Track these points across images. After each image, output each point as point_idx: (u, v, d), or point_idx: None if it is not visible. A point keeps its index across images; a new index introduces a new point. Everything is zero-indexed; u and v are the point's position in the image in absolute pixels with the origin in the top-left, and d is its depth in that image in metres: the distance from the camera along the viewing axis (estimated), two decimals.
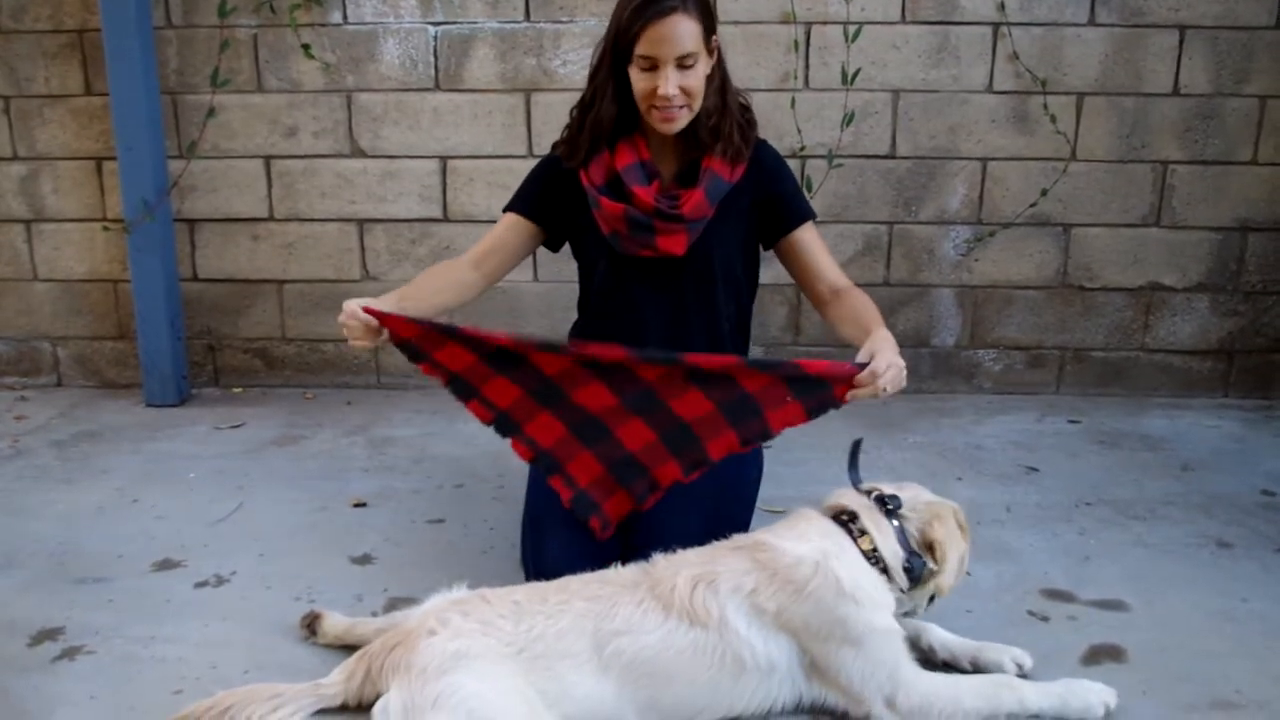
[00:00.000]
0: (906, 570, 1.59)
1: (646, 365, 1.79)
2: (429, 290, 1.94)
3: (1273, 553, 2.19)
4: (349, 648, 1.69)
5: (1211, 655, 1.77)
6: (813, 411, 1.74)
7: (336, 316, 1.79)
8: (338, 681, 1.53)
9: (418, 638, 1.47)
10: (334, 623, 1.79)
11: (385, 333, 1.78)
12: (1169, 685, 1.67)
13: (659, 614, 1.51)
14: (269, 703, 1.47)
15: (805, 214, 2.03)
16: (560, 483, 1.88)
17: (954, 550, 1.59)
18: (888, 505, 1.64)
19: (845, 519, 1.62)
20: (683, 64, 1.80)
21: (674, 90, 1.80)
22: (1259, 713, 1.61)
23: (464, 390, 1.87)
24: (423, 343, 1.82)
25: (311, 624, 1.80)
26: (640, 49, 1.79)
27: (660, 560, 1.62)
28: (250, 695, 1.48)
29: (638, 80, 1.83)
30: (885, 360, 1.66)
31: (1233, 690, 1.66)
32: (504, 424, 1.89)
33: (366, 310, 1.75)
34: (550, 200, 2.03)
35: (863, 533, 1.60)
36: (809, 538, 1.58)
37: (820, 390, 1.72)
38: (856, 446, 1.79)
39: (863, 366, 1.68)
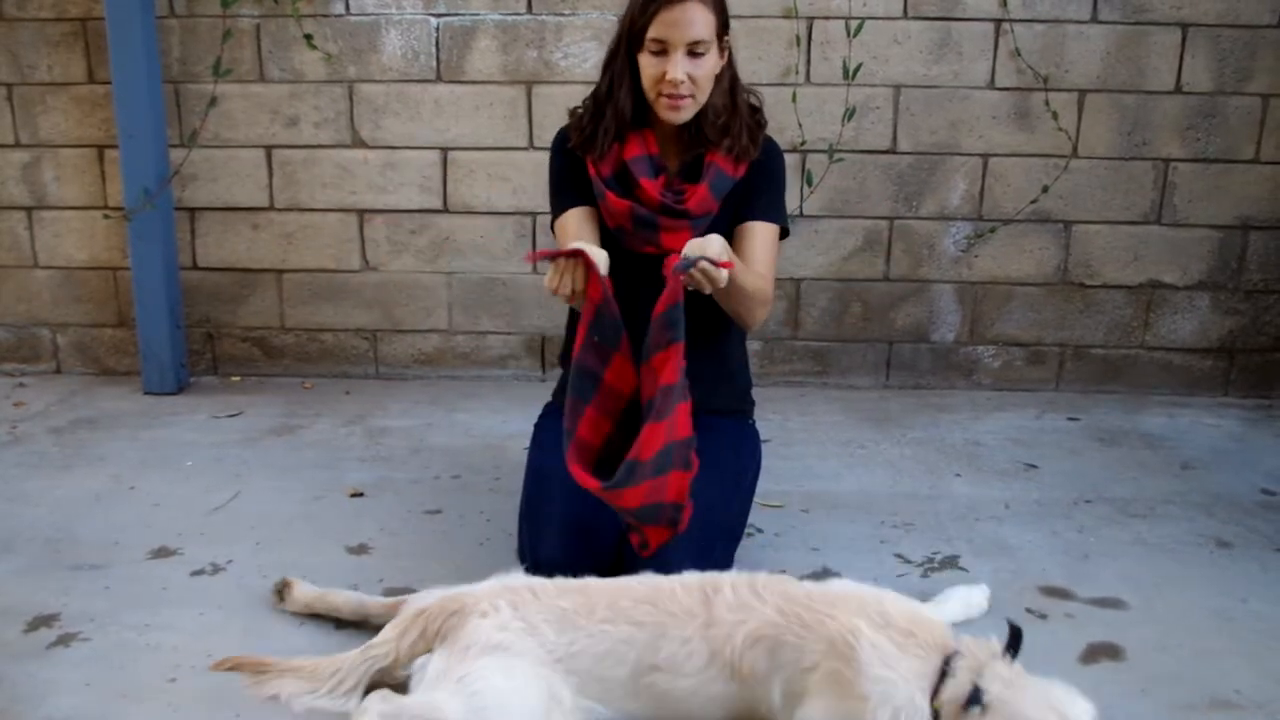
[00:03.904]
0: None
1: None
2: None
3: (1272, 552, 2.19)
4: (324, 620, 1.76)
5: (1210, 655, 1.77)
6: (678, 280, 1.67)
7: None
8: (389, 640, 1.53)
9: (470, 614, 1.49)
10: (303, 591, 1.84)
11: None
12: (1167, 684, 1.67)
13: (703, 657, 1.44)
14: (331, 680, 1.48)
15: (772, 218, 1.99)
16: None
17: None
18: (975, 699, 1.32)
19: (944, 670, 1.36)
20: (693, 51, 1.80)
21: (682, 75, 1.79)
22: (1257, 713, 1.60)
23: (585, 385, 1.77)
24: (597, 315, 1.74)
25: (281, 591, 1.87)
26: (652, 32, 1.79)
27: (726, 590, 1.48)
28: (312, 673, 1.49)
29: (647, 66, 1.83)
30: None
31: (1231, 690, 1.66)
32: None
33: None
34: (579, 180, 1.99)
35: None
36: (904, 676, 1.34)
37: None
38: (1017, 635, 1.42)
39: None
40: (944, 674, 1.35)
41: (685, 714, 1.47)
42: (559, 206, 2.02)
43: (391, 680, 1.51)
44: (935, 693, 1.33)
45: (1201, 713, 1.60)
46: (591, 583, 1.58)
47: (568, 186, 2.01)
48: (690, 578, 1.54)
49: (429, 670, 1.44)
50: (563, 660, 1.46)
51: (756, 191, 1.99)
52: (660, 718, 1.48)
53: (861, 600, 1.44)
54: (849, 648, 1.36)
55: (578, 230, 1.96)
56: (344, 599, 1.83)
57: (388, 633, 1.54)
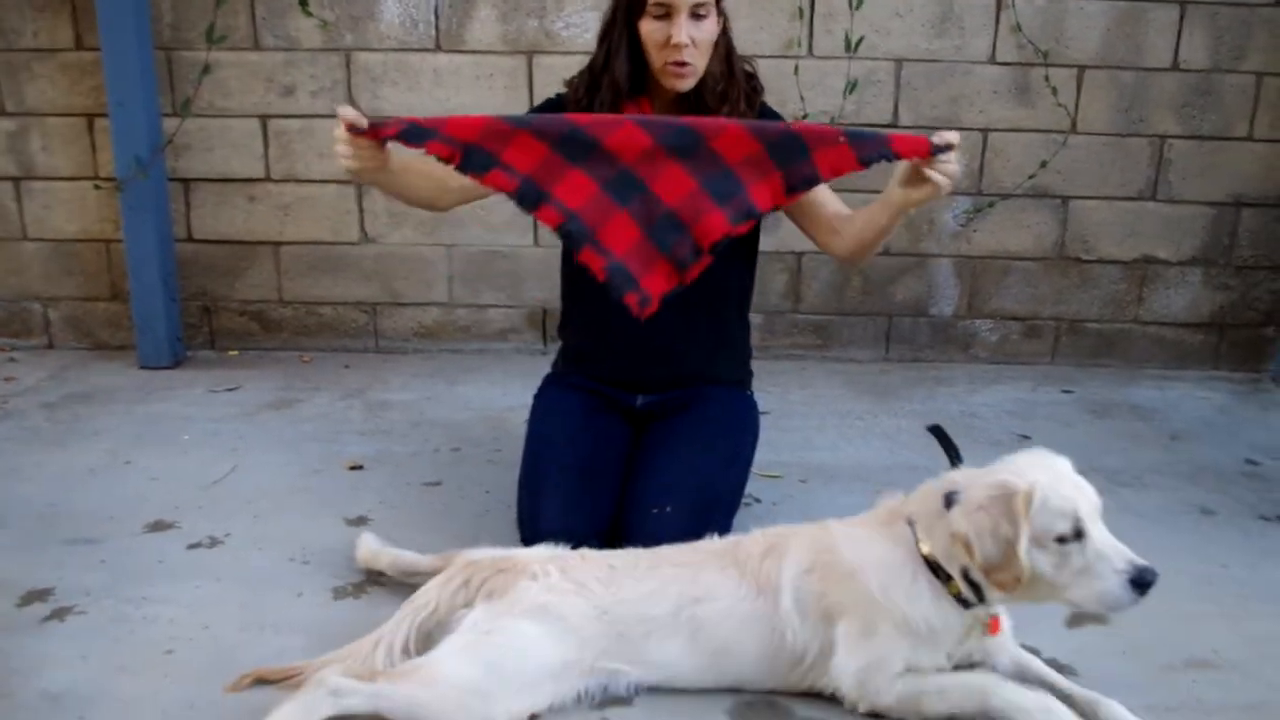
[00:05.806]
0: (966, 579, 1.44)
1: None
2: (413, 171, 1.88)
3: (1254, 520, 2.23)
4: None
5: (1190, 618, 1.80)
6: (866, 158, 1.69)
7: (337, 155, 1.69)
8: (432, 589, 1.56)
9: (519, 575, 1.53)
10: (366, 547, 1.87)
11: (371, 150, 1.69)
12: (1148, 646, 1.70)
13: (735, 579, 1.53)
14: (378, 651, 1.50)
15: None
16: (592, 253, 1.74)
17: (976, 543, 1.39)
18: (949, 500, 1.48)
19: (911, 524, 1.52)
20: (695, 13, 1.80)
21: (686, 38, 1.79)
22: (1233, 672, 1.65)
23: (482, 161, 1.69)
24: (430, 121, 1.68)
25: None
26: None
27: (756, 532, 1.62)
28: (352, 655, 1.52)
29: (650, 30, 1.82)
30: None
31: (1209, 651, 1.70)
32: (529, 191, 1.72)
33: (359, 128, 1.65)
34: None
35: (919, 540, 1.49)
36: (871, 547, 1.51)
37: (874, 139, 1.69)
38: (940, 435, 1.74)
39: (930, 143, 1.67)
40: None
41: (720, 643, 1.50)
42: None
43: (441, 634, 1.51)
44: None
45: (1180, 672, 1.64)
46: (636, 549, 1.64)
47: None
48: (716, 541, 1.64)
49: (466, 621, 1.47)
50: (608, 610, 1.49)
51: None
52: (694, 657, 1.51)
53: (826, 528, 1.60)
54: (831, 551, 1.53)
55: None
56: (390, 558, 1.82)
57: (432, 585, 1.57)
